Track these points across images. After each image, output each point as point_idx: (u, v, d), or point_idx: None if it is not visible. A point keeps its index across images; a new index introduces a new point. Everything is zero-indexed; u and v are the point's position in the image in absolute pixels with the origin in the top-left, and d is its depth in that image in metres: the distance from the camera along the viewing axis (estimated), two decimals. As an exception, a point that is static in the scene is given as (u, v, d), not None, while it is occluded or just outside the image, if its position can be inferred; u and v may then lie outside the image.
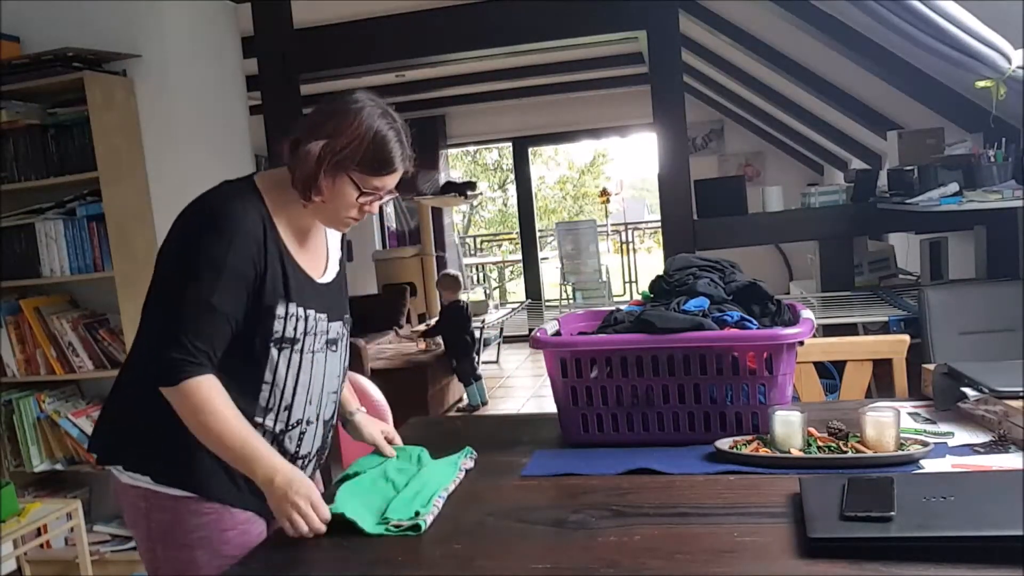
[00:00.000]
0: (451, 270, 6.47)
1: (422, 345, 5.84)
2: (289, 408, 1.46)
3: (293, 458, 1.49)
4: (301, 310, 1.44)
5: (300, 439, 1.50)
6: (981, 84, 2.11)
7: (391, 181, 1.44)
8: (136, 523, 1.48)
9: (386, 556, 1.24)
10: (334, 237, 1.60)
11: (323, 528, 1.32)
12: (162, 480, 1.43)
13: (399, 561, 1.22)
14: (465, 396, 5.83)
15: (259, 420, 1.43)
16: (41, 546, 3.15)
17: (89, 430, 3.12)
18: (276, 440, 1.46)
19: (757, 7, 3.59)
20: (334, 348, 1.54)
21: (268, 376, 1.43)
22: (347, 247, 1.67)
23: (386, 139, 1.39)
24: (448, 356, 5.67)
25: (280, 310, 1.41)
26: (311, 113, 1.44)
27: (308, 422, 1.50)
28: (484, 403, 5.74)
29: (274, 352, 1.42)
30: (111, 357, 3.15)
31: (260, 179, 1.47)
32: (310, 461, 1.55)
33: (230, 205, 1.39)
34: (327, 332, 1.51)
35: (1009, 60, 2.01)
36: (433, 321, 6.03)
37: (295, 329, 1.44)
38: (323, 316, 1.49)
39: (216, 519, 1.43)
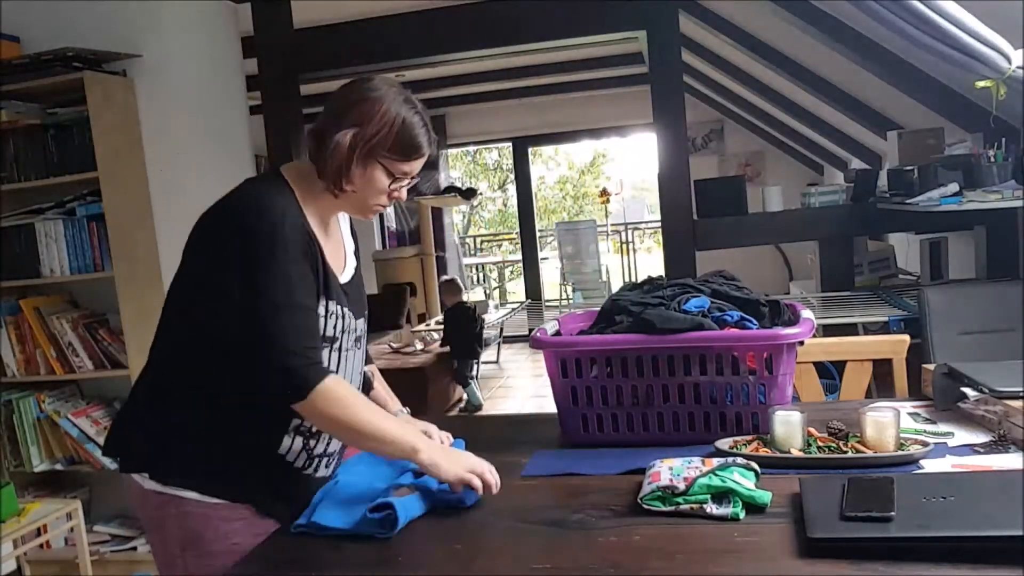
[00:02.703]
0: (450, 275, 6.43)
1: (419, 344, 5.84)
2: None
3: (321, 456, 1.48)
4: (339, 308, 1.43)
5: (330, 437, 1.49)
6: (981, 84, 2.11)
7: (418, 165, 1.45)
8: (160, 529, 1.42)
9: (386, 556, 1.24)
10: (346, 229, 1.59)
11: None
12: (192, 487, 1.39)
13: (399, 561, 1.22)
14: (465, 395, 5.83)
15: (296, 420, 1.41)
16: (41, 546, 3.16)
17: (89, 430, 3.12)
18: (310, 439, 1.45)
19: (757, 7, 3.59)
20: (359, 345, 1.54)
21: None
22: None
23: (413, 124, 1.41)
24: (451, 356, 5.66)
25: (321, 308, 1.40)
26: (332, 103, 1.42)
27: None
28: (479, 405, 5.74)
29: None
30: (111, 357, 3.15)
31: (286, 171, 1.45)
32: (333, 459, 1.53)
33: (269, 199, 1.35)
34: (355, 329, 1.50)
35: (1009, 60, 2.01)
36: (435, 323, 5.97)
37: (335, 328, 1.42)
38: (351, 313, 1.48)
39: (247, 524, 1.41)
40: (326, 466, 1.51)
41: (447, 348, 5.78)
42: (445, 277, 6.27)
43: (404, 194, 1.47)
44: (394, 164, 1.41)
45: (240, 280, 1.31)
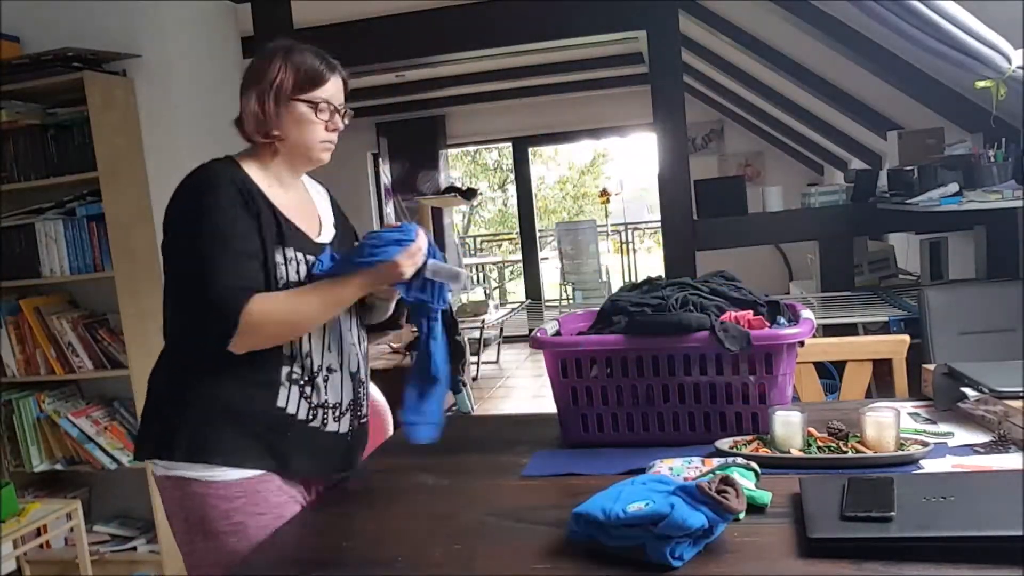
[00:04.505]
0: None
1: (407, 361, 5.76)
2: (309, 355, 1.49)
3: (324, 406, 1.51)
4: (300, 255, 1.48)
5: (326, 386, 1.52)
6: (981, 84, 2.11)
7: (333, 89, 1.52)
8: (174, 515, 1.49)
9: (386, 556, 1.24)
10: (322, 203, 1.66)
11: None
12: (194, 459, 1.43)
13: (399, 562, 1.22)
14: (455, 402, 5.75)
15: (286, 368, 1.46)
16: (41, 546, 3.15)
17: (89, 430, 3.13)
18: (305, 386, 1.48)
19: (757, 7, 3.59)
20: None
21: None
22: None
23: (303, 55, 1.50)
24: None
25: (279, 256, 1.45)
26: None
27: (331, 370, 1.52)
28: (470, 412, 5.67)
29: None
30: (111, 357, 3.15)
31: (237, 156, 1.56)
32: (344, 413, 1.55)
33: (208, 168, 1.49)
34: None
35: (1009, 60, 2.01)
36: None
37: (298, 273, 1.47)
38: None
39: (248, 502, 1.44)
40: (335, 419, 1.53)
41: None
42: None
43: (340, 123, 1.54)
44: (309, 94, 1.49)
45: (183, 240, 1.44)
